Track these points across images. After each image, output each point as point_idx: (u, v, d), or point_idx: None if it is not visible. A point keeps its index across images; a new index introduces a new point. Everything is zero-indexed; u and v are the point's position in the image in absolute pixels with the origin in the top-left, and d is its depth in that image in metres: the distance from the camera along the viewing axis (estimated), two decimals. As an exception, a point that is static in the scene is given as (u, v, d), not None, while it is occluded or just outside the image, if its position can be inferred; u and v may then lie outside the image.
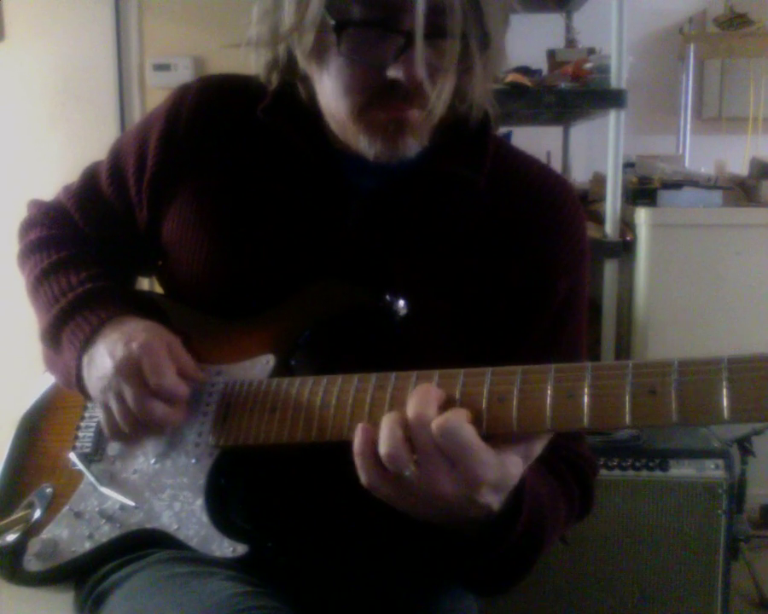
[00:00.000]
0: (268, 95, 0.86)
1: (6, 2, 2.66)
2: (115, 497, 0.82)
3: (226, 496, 0.79)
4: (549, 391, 0.61)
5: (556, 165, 2.78)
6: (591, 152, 2.82)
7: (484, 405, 0.63)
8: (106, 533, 0.81)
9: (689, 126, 2.88)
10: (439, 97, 0.75)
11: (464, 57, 0.74)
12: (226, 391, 0.80)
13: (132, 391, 0.76)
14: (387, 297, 0.79)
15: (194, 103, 0.90)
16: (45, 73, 2.68)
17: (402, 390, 0.68)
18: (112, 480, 0.84)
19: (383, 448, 0.62)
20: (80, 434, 0.90)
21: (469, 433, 0.60)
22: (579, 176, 2.80)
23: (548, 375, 0.62)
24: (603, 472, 1.55)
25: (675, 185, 2.20)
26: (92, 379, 0.81)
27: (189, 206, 0.89)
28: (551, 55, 2.45)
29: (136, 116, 2.69)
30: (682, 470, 1.56)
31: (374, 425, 0.64)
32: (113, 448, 0.86)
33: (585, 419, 0.59)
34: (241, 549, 0.73)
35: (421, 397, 0.63)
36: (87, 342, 0.82)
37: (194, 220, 0.88)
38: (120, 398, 0.78)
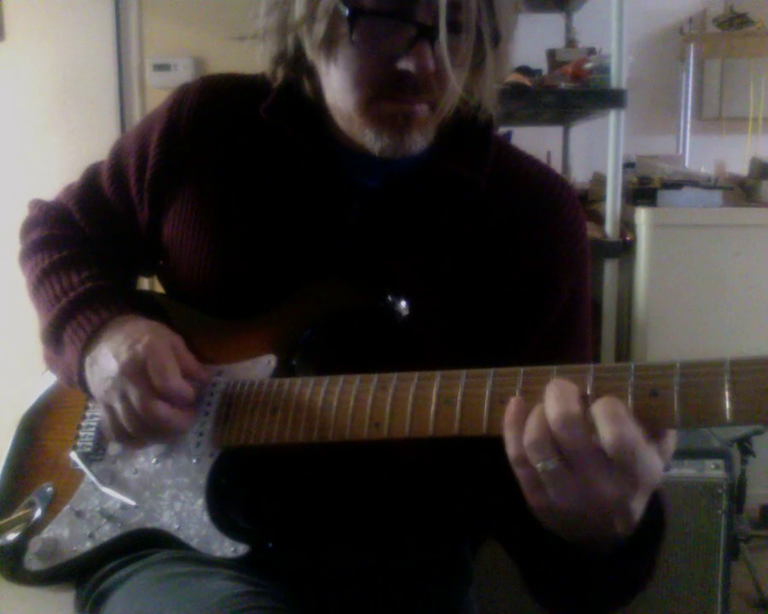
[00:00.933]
0: (271, 94, 0.86)
1: (6, 2, 2.65)
2: (116, 497, 0.82)
3: (227, 496, 0.79)
4: None
5: (556, 165, 2.78)
6: (591, 152, 2.82)
7: (485, 406, 0.63)
8: (107, 532, 0.81)
9: (689, 126, 2.88)
10: (449, 92, 0.75)
11: (476, 53, 0.74)
12: (227, 391, 0.80)
13: (137, 393, 0.76)
14: (389, 297, 0.79)
15: (196, 102, 0.90)
16: (45, 73, 2.67)
17: (404, 391, 0.68)
18: (113, 479, 0.84)
19: (528, 435, 0.59)
20: (81, 433, 0.90)
21: (640, 437, 0.57)
22: (579, 176, 2.80)
23: (550, 376, 0.62)
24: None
25: (675, 185, 2.20)
26: (96, 381, 0.81)
27: (190, 206, 0.89)
28: (551, 54, 2.46)
29: (136, 116, 2.69)
30: (682, 470, 1.55)
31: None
32: (113, 447, 0.86)
33: (588, 420, 0.59)
34: (241, 549, 0.73)
35: (561, 393, 0.59)
36: (88, 341, 0.82)
37: (195, 219, 0.88)
38: (125, 400, 0.77)
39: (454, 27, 0.72)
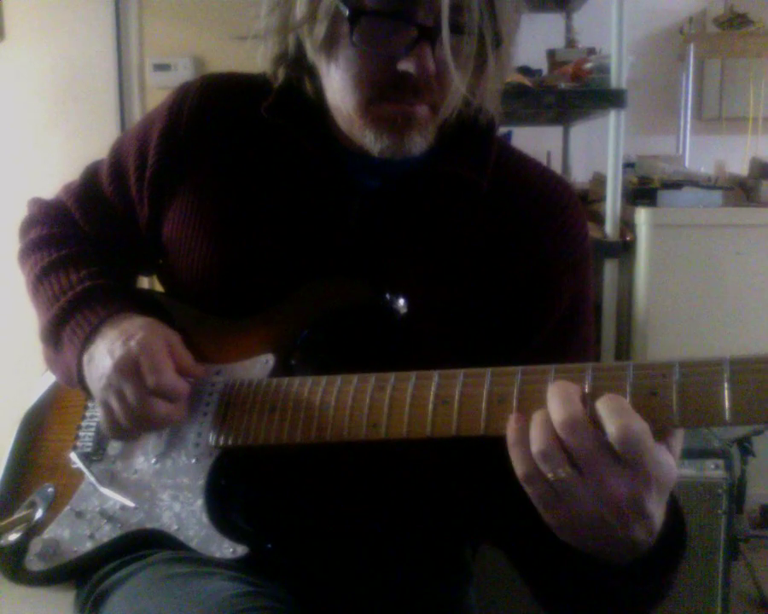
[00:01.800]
0: (272, 93, 0.86)
1: (6, 2, 2.65)
2: (115, 497, 0.82)
3: (226, 497, 0.79)
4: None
5: (556, 165, 2.78)
6: (591, 152, 2.81)
7: (482, 406, 0.63)
8: (107, 533, 0.81)
9: (689, 126, 2.88)
10: (449, 94, 0.75)
11: (477, 55, 0.74)
12: (226, 391, 0.80)
13: (132, 390, 0.76)
14: (387, 295, 0.79)
15: (196, 101, 0.90)
16: (45, 73, 2.67)
17: (402, 391, 0.68)
18: (112, 480, 0.84)
19: (535, 446, 0.58)
20: (81, 433, 0.90)
21: (647, 430, 0.56)
22: (579, 176, 2.80)
23: (548, 376, 0.62)
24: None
25: (675, 185, 2.20)
26: (93, 378, 0.81)
27: (189, 205, 0.89)
28: (551, 54, 2.46)
29: (136, 116, 2.69)
30: (682, 470, 1.55)
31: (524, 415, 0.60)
32: (113, 447, 0.86)
33: (586, 420, 0.59)
34: (241, 550, 0.73)
35: (565, 396, 0.58)
36: (87, 340, 0.82)
37: (194, 218, 0.88)
38: (121, 396, 0.77)
39: (455, 29, 0.72)
